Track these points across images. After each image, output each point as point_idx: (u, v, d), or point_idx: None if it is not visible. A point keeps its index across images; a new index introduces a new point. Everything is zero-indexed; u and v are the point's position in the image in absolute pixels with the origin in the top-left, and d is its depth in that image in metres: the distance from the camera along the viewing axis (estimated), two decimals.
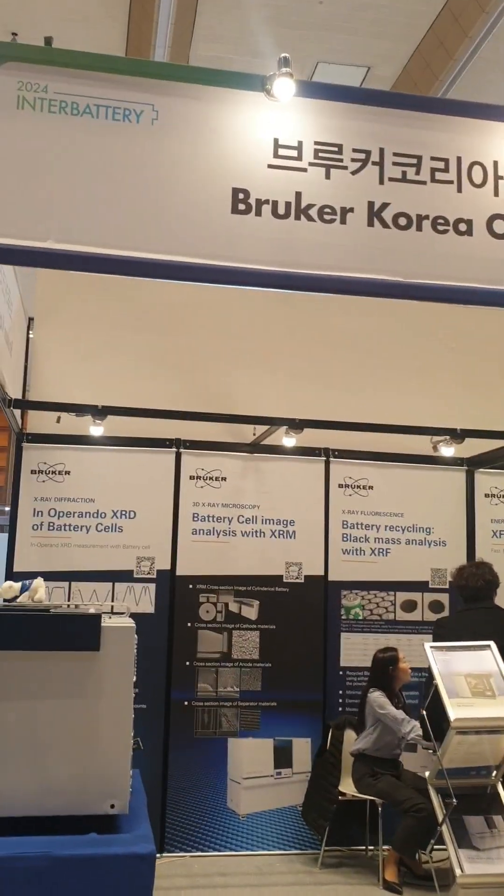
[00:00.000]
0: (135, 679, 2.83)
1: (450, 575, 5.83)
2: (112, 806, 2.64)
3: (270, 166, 2.78)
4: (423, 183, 2.88)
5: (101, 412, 4.81)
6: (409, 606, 5.81)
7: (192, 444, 5.67)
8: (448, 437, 5.07)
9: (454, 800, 2.83)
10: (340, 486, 5.87)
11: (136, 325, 5.71)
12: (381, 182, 2.84)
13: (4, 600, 3.18)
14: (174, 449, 5.65)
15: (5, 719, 2.62)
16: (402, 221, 2.84)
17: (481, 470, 5.99)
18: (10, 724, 2.62)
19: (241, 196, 2.73)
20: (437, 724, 2.83)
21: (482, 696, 2.79)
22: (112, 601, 5.39)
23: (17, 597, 3.29)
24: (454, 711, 2.70)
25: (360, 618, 5.70)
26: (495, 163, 2.96)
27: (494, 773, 2.88)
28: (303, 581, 5.66)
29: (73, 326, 5.69)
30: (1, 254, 2.64)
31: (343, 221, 2.80)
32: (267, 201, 2.76)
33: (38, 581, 3.36)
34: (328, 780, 5.12)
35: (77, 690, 2.67)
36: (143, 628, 5.32)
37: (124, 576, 5.45)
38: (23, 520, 5.42)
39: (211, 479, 5.68)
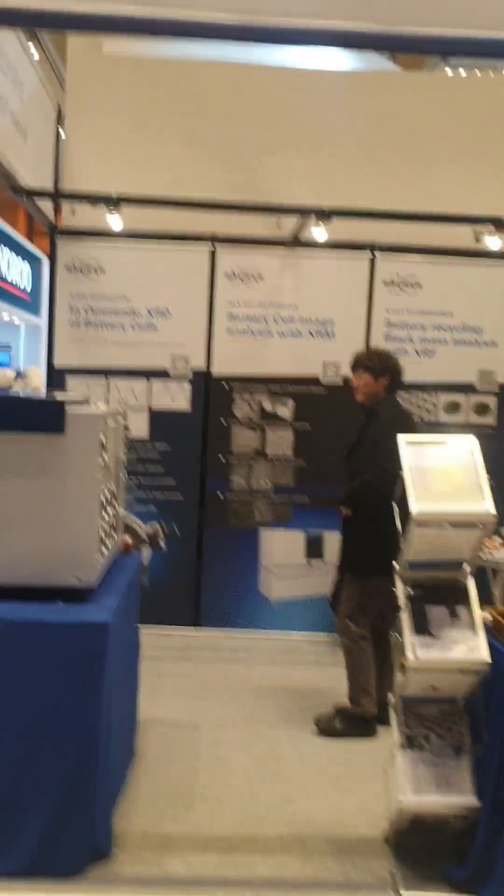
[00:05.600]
0: (104, 463, 2.89)
1: (497, 377, 5.64)
2: (77, 578, 2.79)
3: None
4: None
5: (114, 202, 4.64)
6: (453, 408, 5.67)
7: (228, 240, 5.46)
8: (492, 225, 4.67)
9: (420, 590, 2.85)
10: (386, 283, 5.60)
11: (169, 111, 5.37)
12: None
13: None
14: (209, 245, 5.47)
15: None
16: None
17: None
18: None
19: None
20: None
21: (450, 491, 2.72)
22: (149, 398, 5.49)
23: (11, 385, 3.38)
24: (416, 505, 2.65)
25: None
26: None
27: (467, 567, 2.86)
28: (340, 382, 5.56)
29: (104, 116, 5.39)
30: None
31: None
32: None
33: (32, 369, 3.42)
34: None
35: (44, 470, 2.76)
36: (179, 424, 5.54)
37: (160, 374, 5.50)
38: (60, 316, 5.47)
39: (248, 276, 5.51)
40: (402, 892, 2.64)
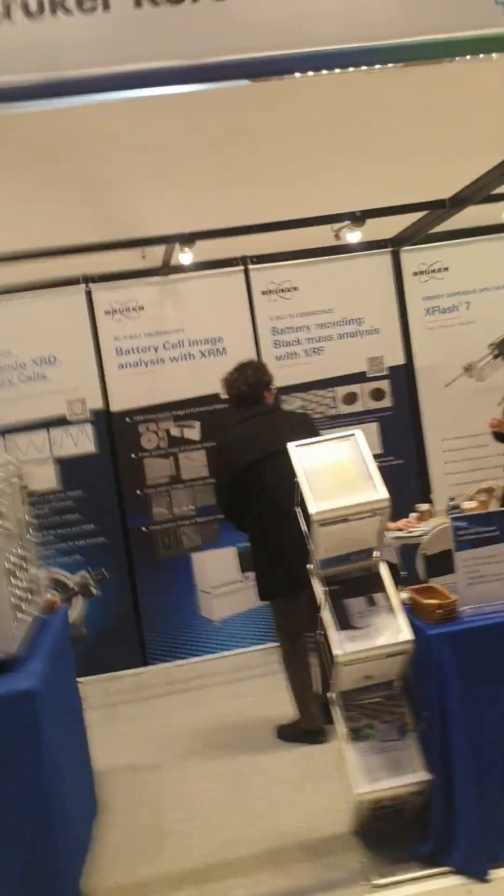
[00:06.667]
0: (2, 529, 2.87)
1: (385, 361, 5.81)
2: None
3: None
4: None
5: None
6: (350, 399, 5.80)
7: (101, 278, 5.48)
8: (349, 221, 4.81)
9: (337, 585, 2.91)
10: (264, 292, 5.70)
11: (20, 162, 5.36)
12: None
13: None
14: (83, 286, 5.48)
15: None
16: None
17: (405, 248, 5.75)
18: None
19: None
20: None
21: (343, 486, 2.80)
22: (52, 448, 5.45)
23: None
24: (314, 505, 2.72)
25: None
26: None
27: (375, 553, 2.93)
28: None
29: None
30: None
31: (106, 7, 2.49)
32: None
33: None
34: None
35: None
36: (88, 468, 5.51)
37: (59, 421, 5.46)
38: None
39: (127, 310, 5.54)
40: (373, 879, 2.69)
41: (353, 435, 2.95)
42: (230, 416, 4.42)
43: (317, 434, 3.62)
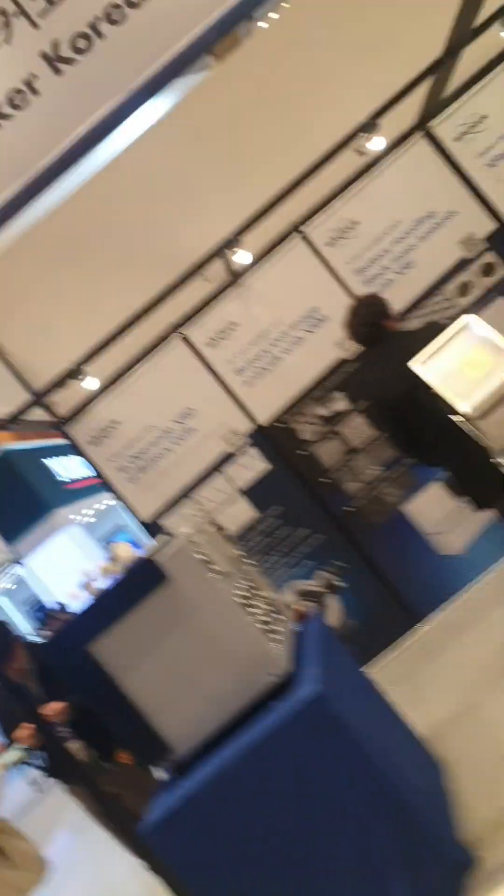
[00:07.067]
0: (218, 571, 3.04)
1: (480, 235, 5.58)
2: (271, 675, 2.92)
3: None
4: None
5: (78, 371, 4.94)
6: (464, 289, 5.63)
7: (186, 319, 5.67)
8: (363, 132, 4.71)
9: None
10: (329, 243, 5.67)
11: (63, 258, 5.65)
12: None
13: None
14: (178, 335, 5.68)
15: (151, 674, 2.95)
16: None
17: (435, 121, 5.51)
18: (156, 675, 2.95)
19: None
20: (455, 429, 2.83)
21: (481, 373, 2.75)
22: (232, 484, 5.67)
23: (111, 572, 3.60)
24: (464, 405, 2.70)
25: None
26: None
27: None
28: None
29: (27, 298, 5.71)
30: None
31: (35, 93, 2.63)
32: None
33: (118, 547, 3.64)
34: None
35: (178, 617, 2.93)
36: (269, 483, 5.67)
37: (225, 459, 5.68)
38: (116, 481, 5.74)
39: (223, 333, 5.69)
40: None
41: (465, 325, 2.90)
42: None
43: None
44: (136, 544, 9.10)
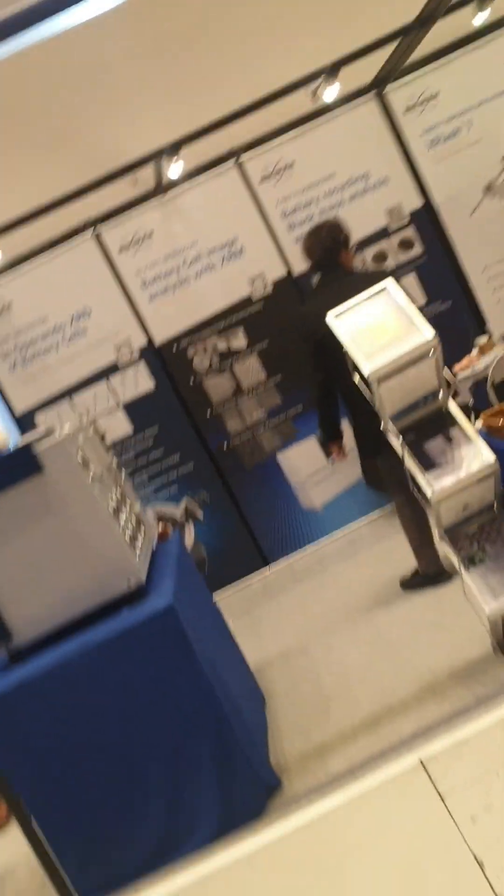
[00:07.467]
0: (94, 475, 3.05)
1: (405, 209, 5.70)
2: (128, 582, 2.98)
3: None
4: None
5: None
6: (380, 257, 5.74)
7: (103, 218, 5.51)
8: (323, 76, 4.68)
9: (412, 433, 3.01)
10: (263, 179, 5.64)
11: None
12: None
13: None
14: (91, 231, 5.52)
15: (7, 559, 2.95)
16: None
17: (389, 88, 5.56)
18: (13, 560, 2.95)
19: None
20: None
21: (390, 339, 2.86)
22: (116, 395, 5.62)
23: None
24: (367, 365, 2.80)
25: None
26: None
27: (441, 394, 3.01)
28: (272, 290, 5.65)
29: None
30: None
31: None
32: None
33: None
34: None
35: (46, 509, 2.93)
36: (153, 404, 5.67)
37: (111, 368, 5.62)
38: None
39: (138, 241, 5.57)
40: None
41: (384, 289, 2.98)
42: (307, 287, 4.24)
43: None
44: None
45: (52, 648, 2.93)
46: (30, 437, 3.07)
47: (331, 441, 4.32)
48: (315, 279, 4.16)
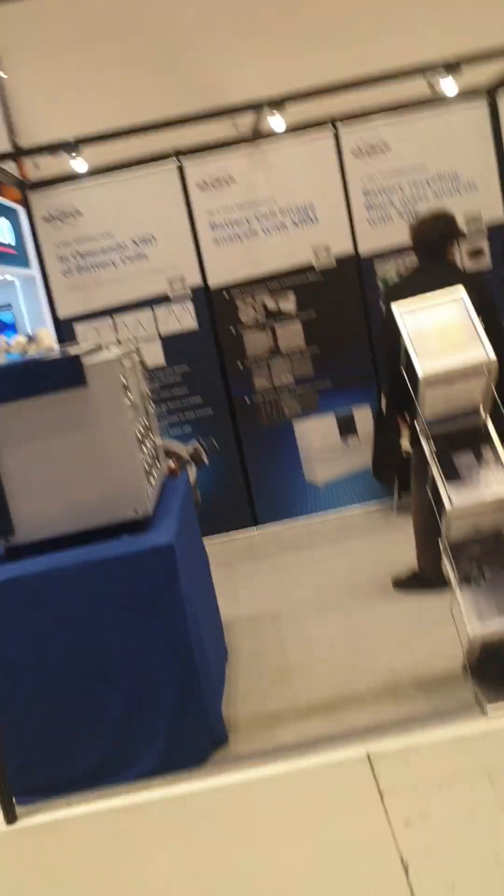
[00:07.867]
0: (130, 401, 3.09)
1: (483, 218, 5.66)
2: (135, 511, 3.04)
3: None
4: None
5: (74, 146, 4.68)
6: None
7: (191, 151, 5.47)
8: (441, 67, 4.62)
9: (445, 442, 3.05)
10: (354, 153, 5.59)
11: (103, 38, 5.30)
12: None
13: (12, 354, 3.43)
14: (174, 161, 5.49)
15: (30, 458, 3.00)
16: None
17: None
18: (35, 461, 3.00)
19: None
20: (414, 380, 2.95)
21: (449, 347, 2.88)
22: (157, 326, 5.64)
23: (26, 350, 3.56)
24: (422, 367, 2.83)
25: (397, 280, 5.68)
26: None
27: (480, 410, 3.04)
28: (334, 264, 5.64)
29: (46, 55, 5.36)
30: None
31: None
32: None
33: (42, 330, 3.59)
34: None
35: (79, 422, 2.98)
36: (191, 343, 5.72)
37: (161, 299, 5.62)
38: (51, 268, 5.58)
39: (219, 183, 5.54)
40: (487, 707, 2.95)
41: (460, 297, 3.00)
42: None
43: (485, 299, 3.51)
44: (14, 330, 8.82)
45: (49, 554, 3.00)
46: (79, 348, 3.10)
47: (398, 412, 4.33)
48: (416, 263, 4.15)
